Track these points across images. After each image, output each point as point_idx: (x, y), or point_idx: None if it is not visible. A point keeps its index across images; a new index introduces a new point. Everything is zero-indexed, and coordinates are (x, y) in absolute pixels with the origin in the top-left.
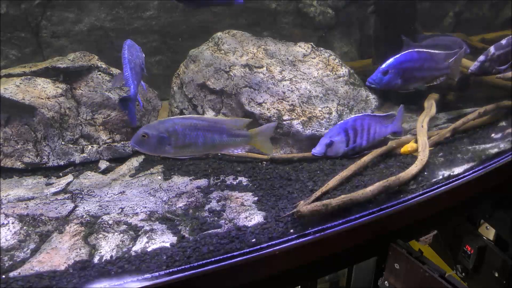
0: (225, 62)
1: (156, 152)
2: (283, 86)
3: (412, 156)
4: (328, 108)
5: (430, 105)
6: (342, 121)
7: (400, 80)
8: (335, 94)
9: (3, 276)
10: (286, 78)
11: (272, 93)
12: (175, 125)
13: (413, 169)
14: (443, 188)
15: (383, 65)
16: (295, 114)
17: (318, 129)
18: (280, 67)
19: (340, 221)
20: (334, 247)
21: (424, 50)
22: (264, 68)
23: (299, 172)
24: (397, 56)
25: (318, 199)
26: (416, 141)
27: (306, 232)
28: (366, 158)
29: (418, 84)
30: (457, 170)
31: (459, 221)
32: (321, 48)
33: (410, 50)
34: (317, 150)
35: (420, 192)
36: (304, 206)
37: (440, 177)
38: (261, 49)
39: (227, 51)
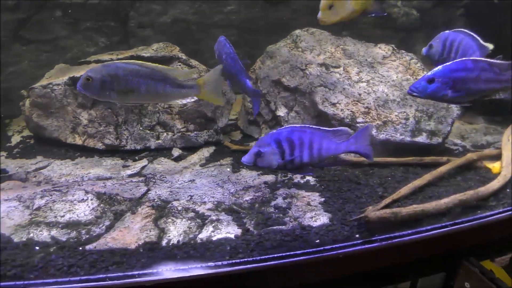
0: (301, 59)
1: (100, 97)
2: (360, 87)
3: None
4: (405, 114)
5: None
6: (275, 130)
7: (450, 91)
8: (414, 99)
9: (80, 248)
10: (363, 79)
11: (347, 94)
12: (117, 69)
13: (495, 184)
14: None
15: (429, 72)
16: (369, 117)
17: (393, 134)
18: (358, 68)
19: (410, 231)
20: (400, 257)
21: (483, 59)
22: (341, 68)
23: (369, 176)
24: (448, 63)
25: (387, 206)
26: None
27: (373, 238)
28: (443, 169)
29: (474, 97)
30: None
31: None
32: (403, 51)
33: (464, 58)
34: (246, 158)
35: (500, 210)
36: (373, 212)
37: None
38: (339, 49)
39: (305, 49)
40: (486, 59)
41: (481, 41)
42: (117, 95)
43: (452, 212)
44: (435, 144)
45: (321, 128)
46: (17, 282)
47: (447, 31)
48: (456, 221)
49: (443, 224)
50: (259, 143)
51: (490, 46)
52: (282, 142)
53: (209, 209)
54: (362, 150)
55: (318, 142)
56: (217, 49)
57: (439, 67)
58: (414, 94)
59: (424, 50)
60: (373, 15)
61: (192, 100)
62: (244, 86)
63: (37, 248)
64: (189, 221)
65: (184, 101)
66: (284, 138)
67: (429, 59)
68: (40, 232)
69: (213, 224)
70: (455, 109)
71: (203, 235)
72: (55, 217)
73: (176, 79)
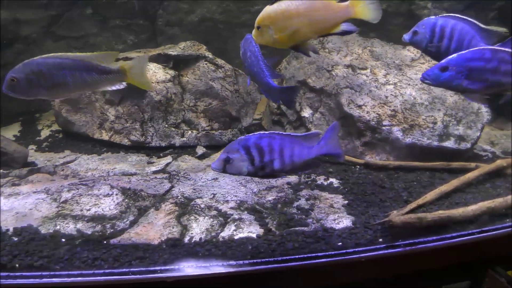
0: (328, 61)
1: (30, 95)
2: (386, 90)
3: None
4: (433, 117)
5: None
6: (243, 137)
7: (465, 81)
8: (442, 103)
9: (105, 242)
10: (391, 82)
11: (373, 96)
12: (39, 65)
13: None
14: None
15: (443, 60)
16: (396, 120)
17: (419, 138)
18: (385, 70)
19: (434, 238)
20: (424, 263)
21: (504, 49)
22: (368, 70)
23: (394, 180)
24: (464, 52)
25: (412, 211)
26: None
27: (396, 243)
28: (471, 175)
29: (493, 90)
30: None
31: None
32: None
33: (482, 47)
34: (215, 164)
35: None
36: (397, 216)
37: None
38: (367, 50)
39: (331, 50)
40: (508, 50)
41: (481, 25)
42: (46, 91)
43: (479, 220)
44: (463, 150)
45: (291, 134)
46: (43, 273)
47: (433, 17)
48: (484, 229)
49: (470, 231)
50: (227, 149)
51: (499, 29)
52: (251, 148)
53: (231, 208)
54: (332, 151)
55: (289, 148)
56: (242, 47)
57: (454, 55)
58: (426, 81)
59: (406, 36)
60: (299, 51)
61: (122, 86)
62: (267, 86)
63: (63, 240)
64: (211, 219)
65: (114, 87)
66: (252, 145)
67: (414, 46)
68: (67, 225)
69: (235, 223)
70: (485, 114)
71: (225, 233)
72: (81, 210)
73: (100, 65)
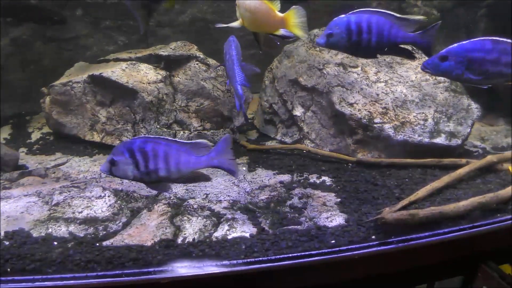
0: (319, 59)
1: None
2: (377, 88)
3: None
4: (423, 114)
5: None
6: (128, 140)
7: (466, 72)
8: (433, 100)
9: (97, 244)
10: (381, 79)
11: (365, 94)
12: None
13: None
14: None
15: (443, 50)
16: (387, 118)
17: (410, 135)
18: (376, 68)
19: (427, 234)
20: (417, 259)
21: (505, 40)
22: (359, 68)
23: (386, 178)
24: (464, 42)
25: (404, 208)
26: None
27: (389, 240)
28: (462, 171)
29: (493, 81)
30: None
31: None
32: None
33: (483, 38)
34: (103, 166)
35: None
36: (389, 213)
37: None
38: None
39: (322, 48)
40: (508, 41)
41: (396, 14)
42: None
43: (471, 215)
44: (454, 146)
45: (178, 141)
46: (36, 276)
47: (342, 16)
48: (475, 224)
49: (462, 227)
50: (114, 151)
51: (417, 17)
52: (135, 152)
53: (224, 208)
54: (225, 166)
55: (174, 155)
56: (224, 48)
57: (454, 45)
58: (427, 70)
59: (321, 40)
60: (278, 44)
61: None
62: (236, 92)
63: (55, 243)
64: (204, 219)
65: None
66: (137, 148)
67: (331, 49)
68: (59, 228)
69: (229, 223)
70: (475, 110)
71: (219, 233)
72: (73, 213)
73: None
